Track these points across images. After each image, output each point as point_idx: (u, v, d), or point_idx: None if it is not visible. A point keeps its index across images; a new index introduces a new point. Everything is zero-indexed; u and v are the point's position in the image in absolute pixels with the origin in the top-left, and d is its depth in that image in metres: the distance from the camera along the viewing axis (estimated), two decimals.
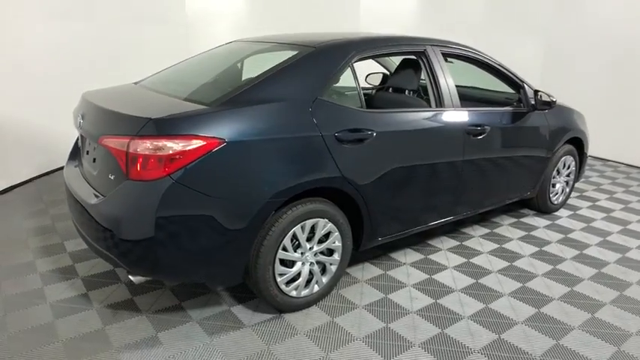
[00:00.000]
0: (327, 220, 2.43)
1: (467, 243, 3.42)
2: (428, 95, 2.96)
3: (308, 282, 2.49)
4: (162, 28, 5.24)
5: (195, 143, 2.00)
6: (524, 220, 3.93)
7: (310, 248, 2.43)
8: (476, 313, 2.54)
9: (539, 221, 3.91)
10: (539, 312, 2.57)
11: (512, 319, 2.49)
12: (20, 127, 4.19)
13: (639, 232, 3.74)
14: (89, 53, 4.58)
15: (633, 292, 2.81)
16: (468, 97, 3.91)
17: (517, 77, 3.50)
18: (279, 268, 2.32)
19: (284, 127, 2.22)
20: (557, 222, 3.91)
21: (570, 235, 3.64)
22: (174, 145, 1.97)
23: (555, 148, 3.74)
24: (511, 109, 3.40)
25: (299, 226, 2.33)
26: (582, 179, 5.17)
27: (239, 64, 2.91)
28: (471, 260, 3.16)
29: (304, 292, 2.47)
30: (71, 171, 2.66)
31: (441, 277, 2.92)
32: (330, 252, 2.54)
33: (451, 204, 3.11)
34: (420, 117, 2.79)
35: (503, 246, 3.40)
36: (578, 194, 4.67)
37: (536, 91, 3.48)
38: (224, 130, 2.06)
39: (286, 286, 2.39)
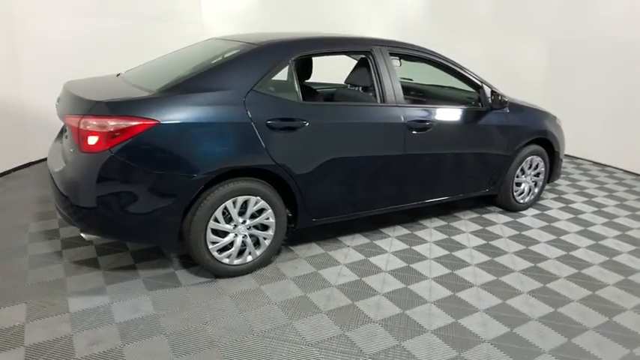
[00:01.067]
0: (259, 198, 2.75)
1: (418, 232, 3.63)
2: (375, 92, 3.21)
3: (242, 252, 2.82)
4: (179, 27, 5.68)
5: (132, 123, 2.38)
6: (487, 216, 4.07)
7: (243, 222, 2.76)
8: (393, 290, 2.78)
9: (501, 218, 4.04)
10: (454, 295, 2.77)
11: (424, 299, 2.71)
12: (42, 111, 4.76)
13: (598, 234, 3.80)
14: (108, 48, 5.08)
15: (557, 286, 2.94)
16: (429, 95, 4.08)
17: (475, 78, 3.67)
18: (210, 236, 2.67)
19: (216, 114, 2.56)
20: (519, 220, 4.03)
21: (525, 232, 3.75)
22: (114, 124, 2.36)
23: (516, 148, 3.87)
24: (463, 107, 3.57)
25: (230, 201, 2.66)
26: (567, 182, 5.19)
27: (212, 60, 3.26)
28: (412, 247, 3.37)
29: (237, 261, 2.81)
30: (54, 147, 3.12)
31: (376, 259, 3.16)
32: (264, 227, 2.86)
33: (395, 193, 3.34)
34: (356, 110, 3.05)
35: (452, 237, 3.58)
36: (556, 195, 4.72)
37: (493, 92, 3.63)
38: (158, 113, 2.43)
39: (219, 253, 2.73)
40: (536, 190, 4.27)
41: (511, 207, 4.15)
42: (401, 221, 3.81)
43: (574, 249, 3.49)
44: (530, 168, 4.11)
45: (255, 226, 2.83)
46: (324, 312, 2.54)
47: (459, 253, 3.32)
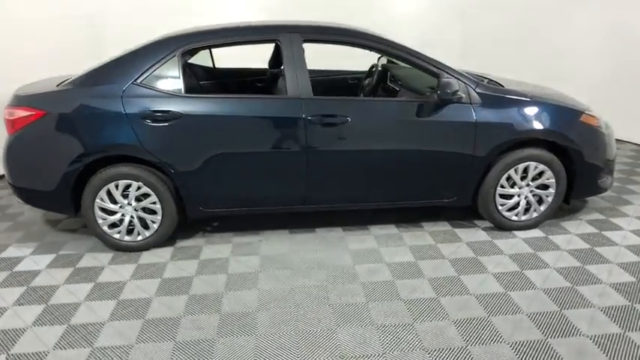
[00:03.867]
0: (140, 183, 2.99)
1: (351, 237, 3.30)
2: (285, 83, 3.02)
3: (132, 231, 3.11)
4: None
5: (27, 112, 2.89)
6: (461, 230, 3.37)
7: (129, 204, 3.05)
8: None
9: (477, 235, 3.30)
10: None
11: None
12: None
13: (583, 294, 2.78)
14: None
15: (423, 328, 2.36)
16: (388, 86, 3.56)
17: (432, 63, 3.06)
18: (99, 213, 3.04)
19: (95, 106, 2.88)
20: (497, 241, 3.22)
21: (482, 258, 3.01)
22: (16, 113, 2.92)
23: (491, 150, 3.08)
24: (397, 99, 3.04)
25: (112, 184, 2.98)
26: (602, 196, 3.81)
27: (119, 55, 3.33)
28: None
29: (127, 238, 3.12)
30: None
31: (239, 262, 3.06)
32: (152, 211, 3.09)
33: (303, 192, 3.11)
34: (243, 103, 2.95)
35: (378, 248, 3.14)
36: (603, 217, 3.53)
37: (445, 81, 2.94)
38: (48, 105, 2.89)
39: (109, 229, 3.10)
40: (541, 208, 3.31)
41: (500, 224, 3.33)
42: (345, 222, 3.49)
43: (517, 312, 2.67)
44: (527, 178, 3.20)
45: (144, 209, 3.08)
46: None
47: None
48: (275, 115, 2.96)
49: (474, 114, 3.04)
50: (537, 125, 3.10)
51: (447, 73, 3.05)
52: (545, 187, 3.26)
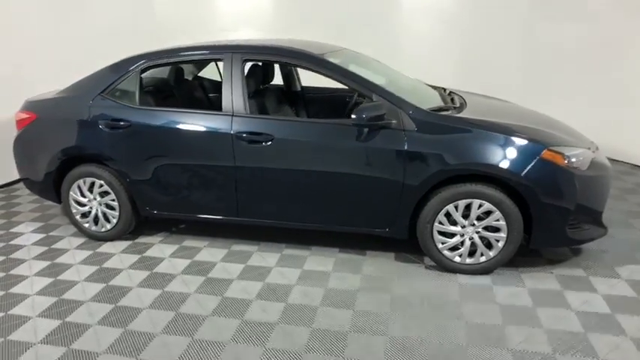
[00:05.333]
0: (102, 182, 3.42)
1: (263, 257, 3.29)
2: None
3: (108, 220, 3.55)
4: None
5: (26, 115, 3.53)
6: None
7: (94, 199, 3.49)
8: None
9: (410, 285, 3.02)
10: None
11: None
12: None
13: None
14: None
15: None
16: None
17: (365, 86, 2.94)
18: (73, 204, 3.55)
19: (70, 113, 3.39)
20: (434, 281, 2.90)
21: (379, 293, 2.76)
22: (20, 115, 3.58)
23: (422, 181, 2.82)
24: (322, 120, 2.97)
25: (81, 180, 3.46)
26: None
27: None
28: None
29: (94, 228, 3.57)
30: None
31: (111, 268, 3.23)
32: (112, 208, 3.50)
33: (234, 205, 3.22)
34: (182, 117, 3.18)
35: (266, 279, 3.08)
36: (582, 274, 2.93)
37: (368, 104, 2.81)
38: (39, 110, 3.50)
39: (81, 218, 3.58)
40: (490, 253, 2.89)
41: (441, 264, 3.01)
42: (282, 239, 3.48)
43: None
44: (471, 216, 2.84)
45: (107, 205, 3.50)
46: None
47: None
48: (208, 130, 3.12)
49: (405, 141, 2.82)
50: (473, 158, 2.74)
51: (380, 96, 2.88)
52: (495, 229, 2.85)
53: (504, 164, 2.71)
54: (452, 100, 3.41)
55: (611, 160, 5.08)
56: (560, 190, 2.73)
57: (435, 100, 3.29)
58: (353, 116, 2.77)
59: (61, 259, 3.34)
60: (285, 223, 3.26)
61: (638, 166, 5.03)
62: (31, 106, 3.57)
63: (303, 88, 4.43)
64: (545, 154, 2.72)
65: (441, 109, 3.03)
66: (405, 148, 2.82)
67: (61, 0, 5.25)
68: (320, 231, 3.35)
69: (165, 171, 3.26)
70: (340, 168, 2.95)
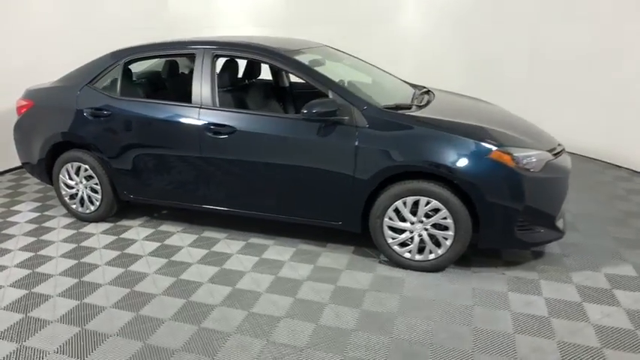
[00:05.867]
0: (87, 167, 3.67)
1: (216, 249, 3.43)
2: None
3: (92, 202, 3.81)
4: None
5: (25, 102, 3.83)
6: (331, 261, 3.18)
7: (80, 182, 3.75)
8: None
9: (356, 277, 3.08)
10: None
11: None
12: None
13: None
14: None
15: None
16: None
17: (323, 83, 3.03)
18: (62, 186, 3.82)
19: (61, 101, 3.66)
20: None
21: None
22: (20, 102, 3.89)
23: (371, 177, 2.88)
24: (279, 115, 3.10)
25: (69, 164, 3.72)
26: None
27: None
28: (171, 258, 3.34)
29: (80, 209, 3.83)
30: None
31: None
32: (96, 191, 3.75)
33: (204, 194, 3.38)
34: (155, 108, 3.37)
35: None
36: (534, 277, 2.90)
37: (318, 100, 2.91)
38: (36, 98, 3.80)
39: (69, 199, 3.85)
40: (439, 251, 2.91)
41: (392, 259, 3.05)
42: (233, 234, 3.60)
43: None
44: (420, 213, 2.87)
45: (92, 189, 3.75)
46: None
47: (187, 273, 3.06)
48: (178, 121, 3.29)
49: (356, 136, 2.89)
50: (419, 155, 2.77)
51: (335, 92, 2.96)
52: (443, 227, 2.87)
53: (449, 162, 2.72)
54: (422, 98, 3.44)
55: (613, 165, 4.95)
56: (507, 191, 2.72)
57: (403, 98, 3.33)
58: (303, 111, 2.87)
59: (46, 237, 3.62)
60: (246, 212, 3.39)
61: (637, 172, 4.82)
62: (29, 94, 3.88)
63: (291, 84, 4.54)
64: (493, 154, 2.71)
65: (399, 107, 3.07)
66: (356, 143, 2.88)
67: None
68: (287, 222, 3.46)
69: (140, 159, 3.46)
70: (296, 161, 3.05)
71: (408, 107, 3.11)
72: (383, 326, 2.48)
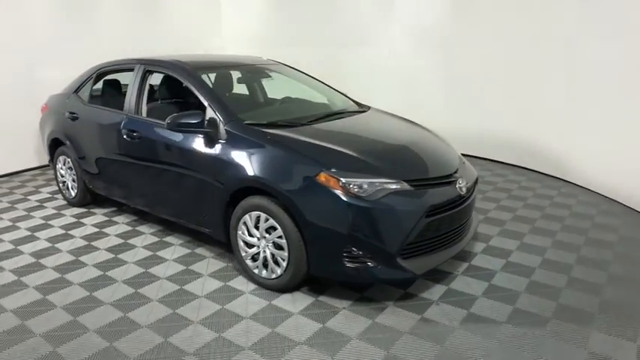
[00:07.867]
0: (69, 160, 4.44)
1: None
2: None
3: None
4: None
5: (44, 106, 4.82)
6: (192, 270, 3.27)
7: (67, 174, 4.54)
8: None
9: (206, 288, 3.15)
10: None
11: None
12: None
13: None
14: None
15: None
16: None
17: (204, 97, 3.29)
18: (58, 175, 4.67)
19: (57, 106, 4.54)
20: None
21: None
22: (43, 106, 4.89)
23: (225, 190, 3.02)
24: (155, 121, 3.54)
25: (61, 157, 4.56)
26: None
27: None
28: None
29: (67, 195, 4.63)
30: None
31: None
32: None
33: (129, 194, 3.94)
34: (100, 114, 4.01)
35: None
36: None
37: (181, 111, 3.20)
38: (49, 102, 4.75)
39: (62, 185, 4.69)
40: (278, 271, 2.85)
41: (248, 274, 3.07)
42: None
43: None
44: (260, 229, 2.87)
45: (73, 180, 4.51)
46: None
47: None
48: (110, 125, 3.86)
49: (217, 149, 3.05)
50: (251, 171, 2.84)
51: (210, 105, 3.18)
52: (280, 246, 2.82)
53: (273, 179, 2.75)
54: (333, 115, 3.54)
55: None
56: (330, 215, 2.60)
57: (305, 114, 3.49)
58: (167, 121, 3.12)
59: (34, 213, 4.45)
60: (152, 212, 3.79)
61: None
62: (48, 99, 4.86)
63: (267, 99, 4.79)
64: (320, 176, 2.63)
65: (272, 124, 3.12)
66: (216, 154, 3.04)
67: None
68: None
69: (92, 157, 4.11)
70: (174, 167, 3.36)
71: (295, 125, 3.17)
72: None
